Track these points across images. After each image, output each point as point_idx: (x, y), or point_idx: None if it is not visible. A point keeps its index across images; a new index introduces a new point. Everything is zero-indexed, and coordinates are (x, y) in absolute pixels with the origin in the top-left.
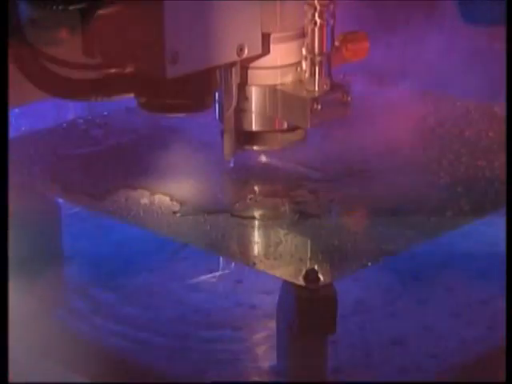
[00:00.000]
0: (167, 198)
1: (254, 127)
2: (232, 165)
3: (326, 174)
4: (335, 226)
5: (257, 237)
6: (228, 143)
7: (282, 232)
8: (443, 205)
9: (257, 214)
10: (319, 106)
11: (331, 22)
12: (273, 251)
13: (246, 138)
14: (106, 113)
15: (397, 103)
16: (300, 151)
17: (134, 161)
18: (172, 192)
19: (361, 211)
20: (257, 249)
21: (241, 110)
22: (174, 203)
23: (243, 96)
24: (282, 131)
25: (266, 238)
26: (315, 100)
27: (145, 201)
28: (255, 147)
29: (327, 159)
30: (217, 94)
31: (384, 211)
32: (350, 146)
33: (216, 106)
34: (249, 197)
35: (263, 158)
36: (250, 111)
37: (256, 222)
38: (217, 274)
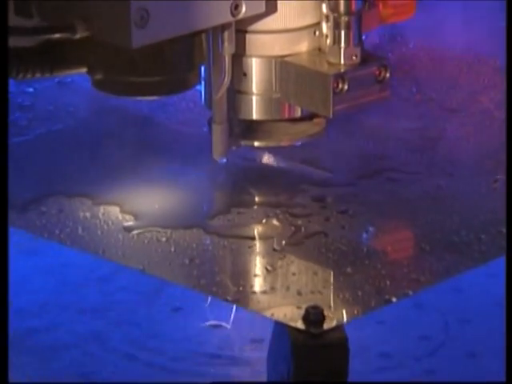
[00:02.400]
0: (116, 209)
1: (256, 115)
2: (222, 165)
3: (336, 175)
4: (347, 247)
5: (240, 262)
6: (218, 137)
7: (274, 256)
8: (496, 218)
9: (241, 230)
10: (345, 86)
11: None
12: (262, 282)
13: (243, 129)
14: (31, 89)
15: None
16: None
17: (69, 157)
18: (123, 201)
19: (383, 226)
20: (239, 279)
21: (237, 92)
22: (126, 216)
23: (240, 72)
24: (294, 121)
25: (252, 263)
26: (340, 77)
27: (85, 213)
28: (257, 143)
29: (339, 154)
30: (203, 70)
31: (414, 226)
32: (369, 139)
33: (202, 85)
34: (232, 208)
35: (265, 158)
36: (250, 93)
37: (239, 243)
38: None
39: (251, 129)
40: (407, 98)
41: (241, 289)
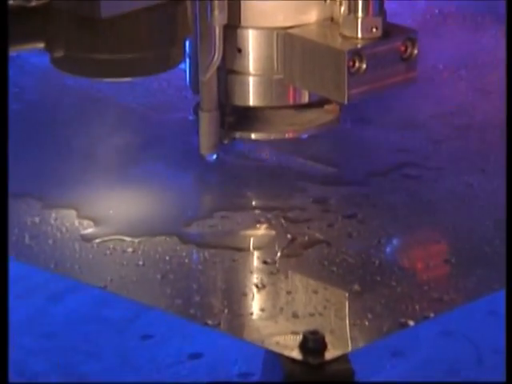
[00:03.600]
0: (72, 214)
1: (253, 101)
2: (212, 162)
3: (342, 171)
4: (355, 260)
5: (223, 278)
6: (206, 127)
7: (265, 270)
8: None
9: (225, 239)
10: (363, 65)
11: None
12: (250, 303)
13: (237, 119)
14: None
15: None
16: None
17: (13, 148)
18: (81, 203)
19: (399, 234)
20: (222, 299)
21: (230, 72)
22: (84, 222)
23: (234, 47)
24: (300, 108)
25: (238, 280)
26: (357, 53)
27: (33, 218)
28: (254, 135)
29: (347, 146)
30: (188, 45)
31: (438, 235)
32: (384, 126)
33: (186, 63)
34: (215, 212)
35: (262, 153)
36: (246, 73)
37: (222, 254)
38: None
39: (247, 118)
40: (431, 77)
41: (224, 311)
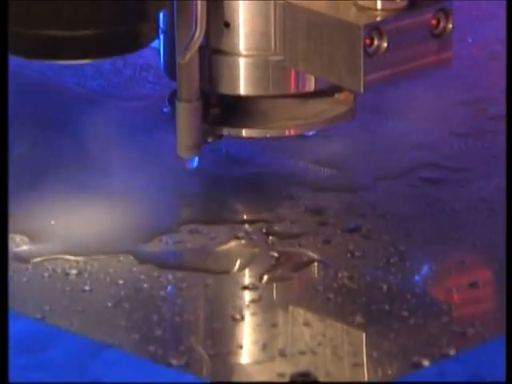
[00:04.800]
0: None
1: (245, 89)
2: (193, 166)
3: (343, 173)
4: (357, 284)
5: (191, 308)
6: (186, 122)
7: (245, 297)
8: None
9: (193, 258)
10: (384, 43)
11: None
12: (225, 338)
13: (225, 111)
14: None
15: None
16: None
17: None
18: (14, 214)
19: (413, 252)
20: (190, 334)
21: (215, 52)
22: (17, 237)
23: (220, 21)
24: (305, 98)
25: (211, 309)
26: (376, 29)
27: None
28: (246, 132)
29: (351, 142)
30: (162, 19)
31: (461, 252)
32: (399, 118)
33: (160, 42)
34: (184, 225)
35: (254, 152)
36: (236, 53)
37: (190, 278)
38: None
39: (238, 110)
40: (457, 54)
41: (193, 348)
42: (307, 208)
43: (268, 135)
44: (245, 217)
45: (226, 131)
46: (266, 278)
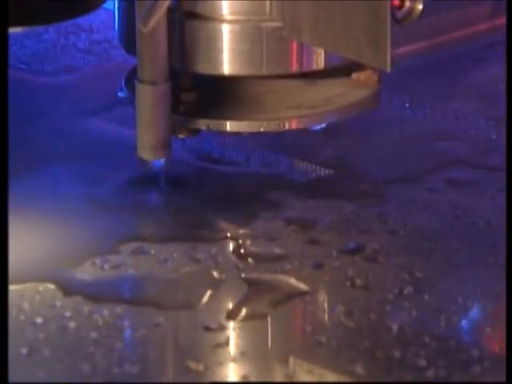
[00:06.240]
0: None
1: (229, 67)
2: (157, 168)
3: (345, 176)
4: (359, 324)
5: (133, 355)
6: (149, 112)
7: (205, 341)
8: None
9: (136, 288)
10: (419, 5)
11: None
12: None
13: (203, 97)
14: None
15: None
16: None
17: None
18: None
19: (432, 281)
20: None
21: (190, 17)
22: None
23: None
24: (311, 79)
25: (155, 357)
26: None
27: None
28: (232, 125)
29: (356, 133)
30: None
31: (498, 281)
32: (422, 103)
33: (115, 3)
34: (125, 244)
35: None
36: (218, 18)
37: (132, 313)
38: None
39: (221, 96)
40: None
41: None
42: (292, 220)
43: (262, 129)
44: (208, 232)
45: (203, 124)
46: (235, 315)
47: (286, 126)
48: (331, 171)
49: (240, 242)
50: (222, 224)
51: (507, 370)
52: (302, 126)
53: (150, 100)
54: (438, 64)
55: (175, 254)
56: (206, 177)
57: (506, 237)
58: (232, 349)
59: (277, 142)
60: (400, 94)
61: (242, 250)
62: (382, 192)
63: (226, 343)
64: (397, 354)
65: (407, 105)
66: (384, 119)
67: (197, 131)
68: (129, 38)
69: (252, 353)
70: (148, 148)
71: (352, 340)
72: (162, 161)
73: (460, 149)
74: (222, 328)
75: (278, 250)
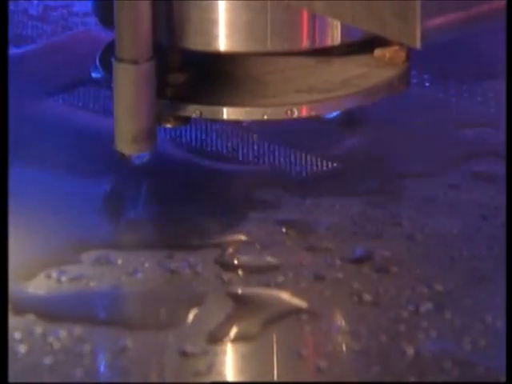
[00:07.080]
0: None
1: (227, 43)
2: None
3: (354, 169)
4: (368, 346)
5: (95, 381)
6: (129, 97)
7: (182, 368)
8: None
9: (98, 307)
10: None
11: None
12: None
13: (194, 79)
14: None
15: None
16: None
17: None
18: None
19: (455, 296)
20: None
21: None
22: None
23: None
24: (326, 57)
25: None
26: None
27: None
28: (230, 111)
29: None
30: None
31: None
32: (445, 84)
33: None
34: (87, 251)
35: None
36: None
37: (96, 335)
38: None
39: (215, 77)
40: None
41: None
42: (289, 224)
43: (266, 117)
44: (187, 239)
45: (195, 111)
46: (219, 336)
47: (295, 114)
48: (335, 164)
49: (224, 249)
50: (204, 228)
51: (507, 370)
52: (313, 114)
53: (130, 82)
54: (473, 39)
55: (146, 264)
56: (185, 170)
57: (505, 235)
58: (215, 377)
59: (277, 131)
60: (429, 73)
61: (227, 259)
62: (396, 189)
63: (208, 371)
64: (412, 379)
65: (427, 84)
66: (404, 102)
67: (187, 119)
68: (104, 7)
69: (238, 382)
70: (128, 140)
71: (359, 366)
72: (145, 155)
73: (487, 138)
74: (203, 353)
75: (270, 259)
